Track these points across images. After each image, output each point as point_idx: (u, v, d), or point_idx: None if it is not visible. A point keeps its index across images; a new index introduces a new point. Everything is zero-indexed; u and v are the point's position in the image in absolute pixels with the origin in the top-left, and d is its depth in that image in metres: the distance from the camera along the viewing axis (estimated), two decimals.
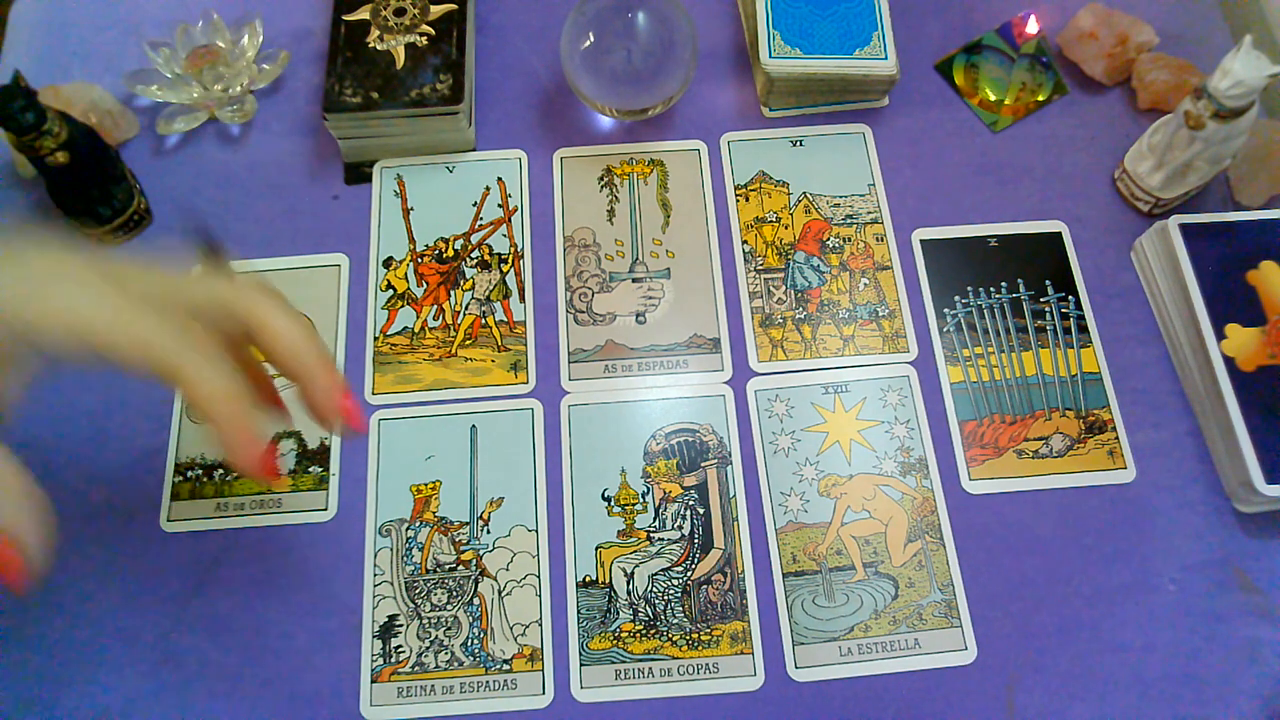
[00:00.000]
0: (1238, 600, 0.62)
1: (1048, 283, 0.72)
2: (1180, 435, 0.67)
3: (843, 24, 0.75)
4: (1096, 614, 0.62)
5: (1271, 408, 0.63)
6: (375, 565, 0.63)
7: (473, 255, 0.73)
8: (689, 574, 0.63)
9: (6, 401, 0.44)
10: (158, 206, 0.75)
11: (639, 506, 0.65)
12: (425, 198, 0.75)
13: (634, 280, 0.72)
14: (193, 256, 0.56)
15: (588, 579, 0.63)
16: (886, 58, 0.74)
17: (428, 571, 0.63)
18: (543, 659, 0.61)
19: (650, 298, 0.72)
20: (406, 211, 0.75)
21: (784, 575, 0.63)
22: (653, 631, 0.62)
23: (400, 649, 0.61)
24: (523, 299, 0.72)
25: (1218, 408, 0.64)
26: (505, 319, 0.71)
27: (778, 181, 0.76)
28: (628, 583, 0.63)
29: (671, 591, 0.63)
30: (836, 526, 0.64)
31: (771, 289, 0.72)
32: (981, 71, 0.80)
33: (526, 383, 0.69)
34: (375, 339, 0.70)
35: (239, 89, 0.77)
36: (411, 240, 0.74)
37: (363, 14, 0.75)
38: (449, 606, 0.62)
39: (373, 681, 0.61)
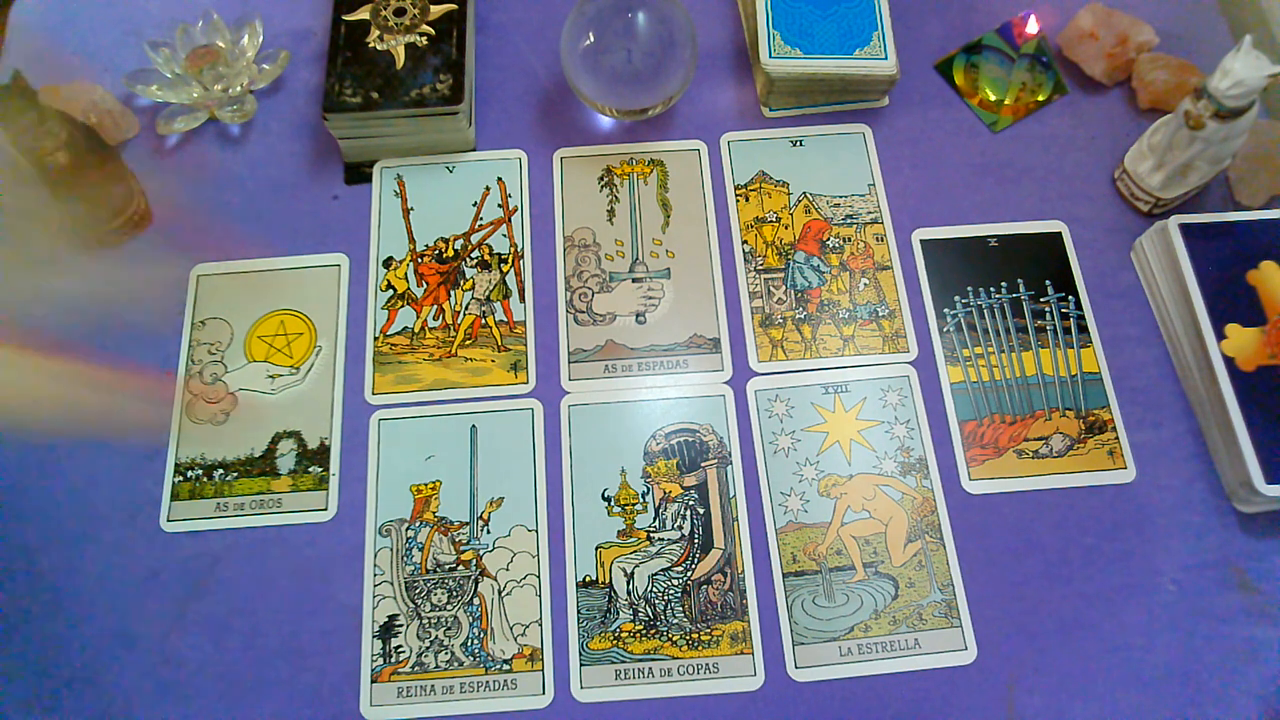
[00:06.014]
0: (1238, 600, 0.62)
1: (1048, 283, 0.72)
2: (1180, 435, 0.67)
3: (843, 24, 0.75)
4: (1096, 614, 0.62)
5: (1271, 408, 0.63)
6: (375, 565, 0.63)
7: (473, 255, 0.73)
8: (689, 574, 0.63)
9: None
10: (158, 206, 0.75)
11: (639, 506, 0.65)
12: (425, 198, 0.75)
13: (634, 280, 0.72)
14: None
15: (588, 579, 0.63)
16: (886, 58, 0.74)
17: (428, 571, 0.63)
18: (543, 659, 0.61)
19: (650, 298, 0.72)
20: (406, 211, 0.75)
21: (784, 575, 0.63)
22: (653, 631, 0.62)
23: (400, 649, 0.61)
24: (523, 299, 0.72)
25: (1218, 408, 0.64)
26: (505, 319, 0.71)
27: (778, 181, 0.76)
28: (628, 583, 0.63)
29: (671, 591, 0.63)
30: (836, 526, 0.64)
31: (771, 289, 0.72)
32: (981, 71, 0.80)
33: (526, 383, 0.69)
34: (375, 339, 0.70)
35: (239, 89, 0.77)
36: (411, 240, 0.74)
37: (363, 14, 0.75)
38: (449, 606, 0.62)
39: (373, 681, 0.61)
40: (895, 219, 0.74)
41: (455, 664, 0.61)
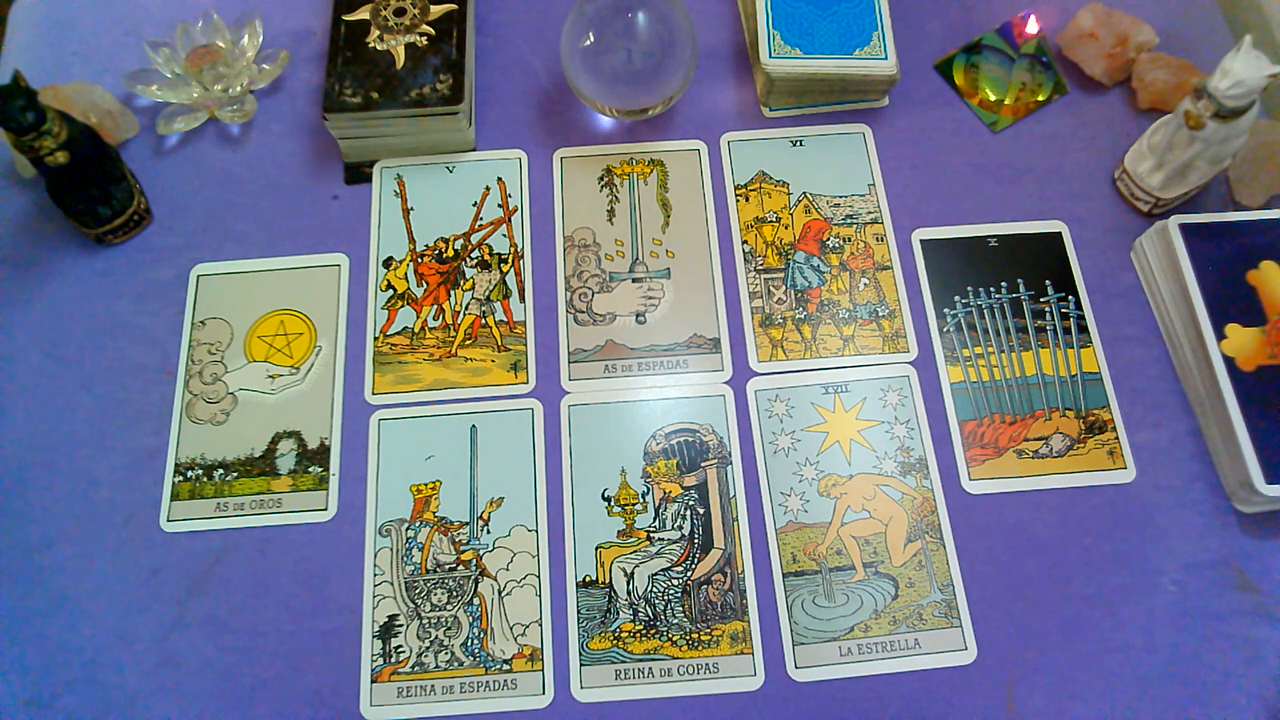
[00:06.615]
0: (1238, 600, 0.62)
1: (1048, 283, 0.72)
2: (1180, 435, 0.67)
3: (843, 24, 0.75)
4: (1096, 614, 0.62)
5: (1271, 408, 0.63)
6: (375, 565, 0.63)
7: (473, 255, 0.73)
8: (689, 574, 0.63)
9: None
10: (158, 206, 0.75)
11: (639, 506, 0.65)
12: (425, 198, 0.75)
13: (634, 280, 0.72)
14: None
15: (588, 579, 0.63)
16: (886, 58, 0.74)
17: (428, 571, 0.63)
18: (543, 659, 0.61)
19: (650, 298, 0.72)
20: (406, 211, 0.75)
21: (784, 575, 0.63)
22: (653, 631, 0.62)
23: (400, 649, 0.61)
24: (523, 299, 0.72)
25: (1218, 408, 0.64)
26: (505, 319, 0.71)
27: (778, 181, 0.76)
28: (628, 583, 0.63)
29: (671, 591, 0.63)
30: (836, 526, 0.64)
31: (771, 289, 0.72)
32: (981, 71, 0.80)
33: (526, 383, 0.69)
34: (375, 339, 0.70)
35: (239, 89, 0.77)
36: (411, 240, 0.74)
37: (363, 14, 0.75)
38: (449, 606, 0.62)
39: (373, 681, 0.61)
40: (895, 219, 0.74)
41: (455, 664, 0.61)
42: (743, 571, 0.63)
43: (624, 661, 0.61)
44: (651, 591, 0.63)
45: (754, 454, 0.67)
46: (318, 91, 0.79)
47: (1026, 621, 0.62)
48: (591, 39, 0.71)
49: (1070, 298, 0.71)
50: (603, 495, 0.65)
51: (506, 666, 0.61)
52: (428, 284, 0.72)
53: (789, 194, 0.75)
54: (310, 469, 0.66)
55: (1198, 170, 0.69)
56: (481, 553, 0.64)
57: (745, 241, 0.74)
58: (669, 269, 0.73)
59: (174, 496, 0.65)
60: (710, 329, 0.71)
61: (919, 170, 0.76)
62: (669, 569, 0.63)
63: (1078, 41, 0.78)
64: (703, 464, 0.66)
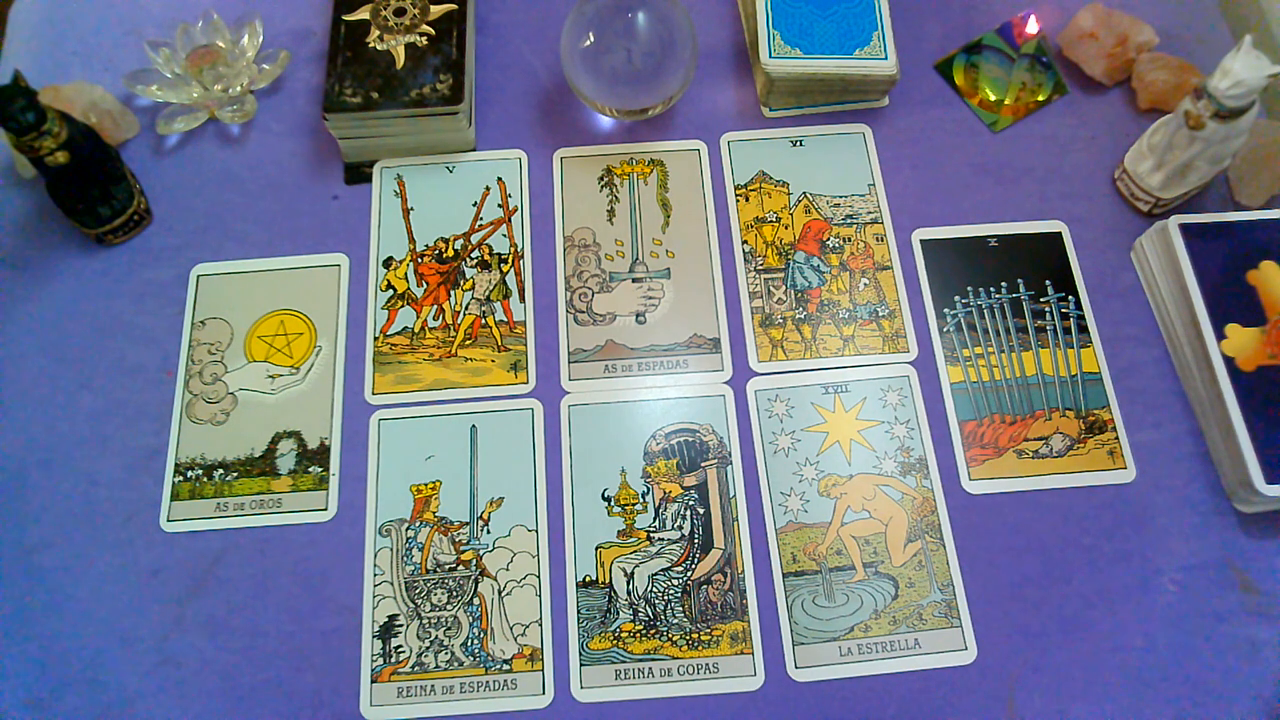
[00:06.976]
0: (1237, 600, 0.62)
1: (1048, 283, 0.72)
2: (1180, 435, 0.67)
3: (843, 24, 0.75)
4: (1096, 614, 0.62)
5: (1271, 408, 0.63)
6: (375, 565, 0.63)
7: (473, 255, 0.73)
8: (689, 574, 0.63)
9: None
10: (158, 206, 0.75)
11: (639, 506, 0.65)
12: (425, 198, 0.75)
13: (634, 280, 0.72)
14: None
15: (588, 579, 0.63)
16: (886, 58, 0.74)
17: (428, 571, 0.63)
18: (543, 659, 0.61)
19: (650, 298, 0.72)
20: (406, 211, 0.75)
21: (784, 575, 0.63)
22: (653, 631, 0.62)
23: (400, 649, 0.61)
24: (523, 299, 0.72)
25: (1218, 408, 0.64)
26: (505, 319, 0.71)
27: (778, 181, 0.76)
28: (628, 583, 0.63)
29: (671, 591, 0.63)
30: (836, 526, 0.64)
31: (771, 289, 0.72)
32: (981, 71, 0.80)
33: (526, 383, 0.69)
34: (375, 339, 0.70)
35: (239, 89, 0.77)
36: (411, 240, 0.74)
37: (363, 14, 0.75)
38: (449, 606, 0.62)
39: (373, 681, 0.61)
40: (895, 219, 0.74)
41: (455, 664, 0.61)
42: (743, 571, 0.63)
43: (624, 661, 0.61)
44: (651, 591, 0.63)
45: (754, 454, 0.67)
46: (318, 91, 0.79)
47: (1026, 621, 0.62)
48: (591, 39, 0.71)
49: (1070, 298, 0.71)
50: (603, 495, 0.65)
51: (506, 666, 0.61)
52: (428, 284, 0.72)
53: (789, 194, 0.75)
54: (310, 469, 0.66)
55: (1198, 170, 0.69)
56: (481, 553, 0.64)
57: (745, 241, 0.74)
58: (669, 269, 0.73)
59: (174, 496, 0.65)
60: (710, 329, 0.71)
61: (919, 170, 0.76)
62: (669, 569, 0.63)
63: (1078, 41, 0.78)
64: (703, 464, 0.66)
